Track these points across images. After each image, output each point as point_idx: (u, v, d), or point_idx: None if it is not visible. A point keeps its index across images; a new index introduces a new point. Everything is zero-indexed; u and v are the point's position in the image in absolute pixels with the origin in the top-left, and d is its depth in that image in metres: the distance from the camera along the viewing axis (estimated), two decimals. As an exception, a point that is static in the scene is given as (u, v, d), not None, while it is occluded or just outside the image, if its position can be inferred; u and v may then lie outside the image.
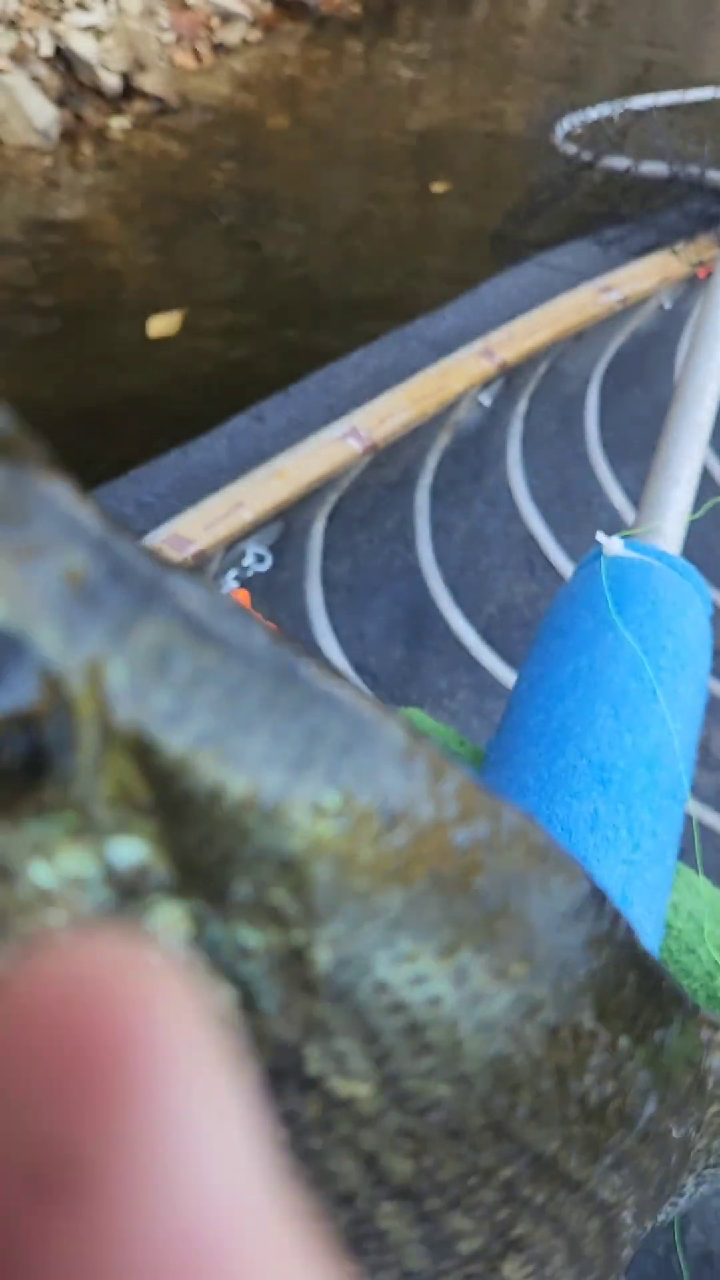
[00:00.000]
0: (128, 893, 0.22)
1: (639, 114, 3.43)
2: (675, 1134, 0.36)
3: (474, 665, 2.18)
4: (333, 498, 2.03)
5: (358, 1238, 0.30)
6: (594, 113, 3.47)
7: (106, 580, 0.21)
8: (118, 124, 5.82)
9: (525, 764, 0.87)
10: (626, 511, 2.52)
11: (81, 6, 6.05)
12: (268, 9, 7.47)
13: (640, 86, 3.81)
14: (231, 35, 6.95)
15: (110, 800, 0.21)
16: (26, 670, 0.20)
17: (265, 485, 1.79)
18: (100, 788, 0.21)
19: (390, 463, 2.07)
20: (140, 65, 6.04)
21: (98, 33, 6.01)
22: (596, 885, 0.30)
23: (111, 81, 5.88)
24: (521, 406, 2.48)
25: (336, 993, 0.25)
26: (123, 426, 3.31)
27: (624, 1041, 0.32)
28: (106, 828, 0.21)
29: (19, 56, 5.59)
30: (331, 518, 2.12)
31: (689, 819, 0.96)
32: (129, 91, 6.01)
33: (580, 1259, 0.36)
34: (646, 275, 2.47)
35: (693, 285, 2.78)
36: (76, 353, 4.02)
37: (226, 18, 6.97)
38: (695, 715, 0.96)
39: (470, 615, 2.27)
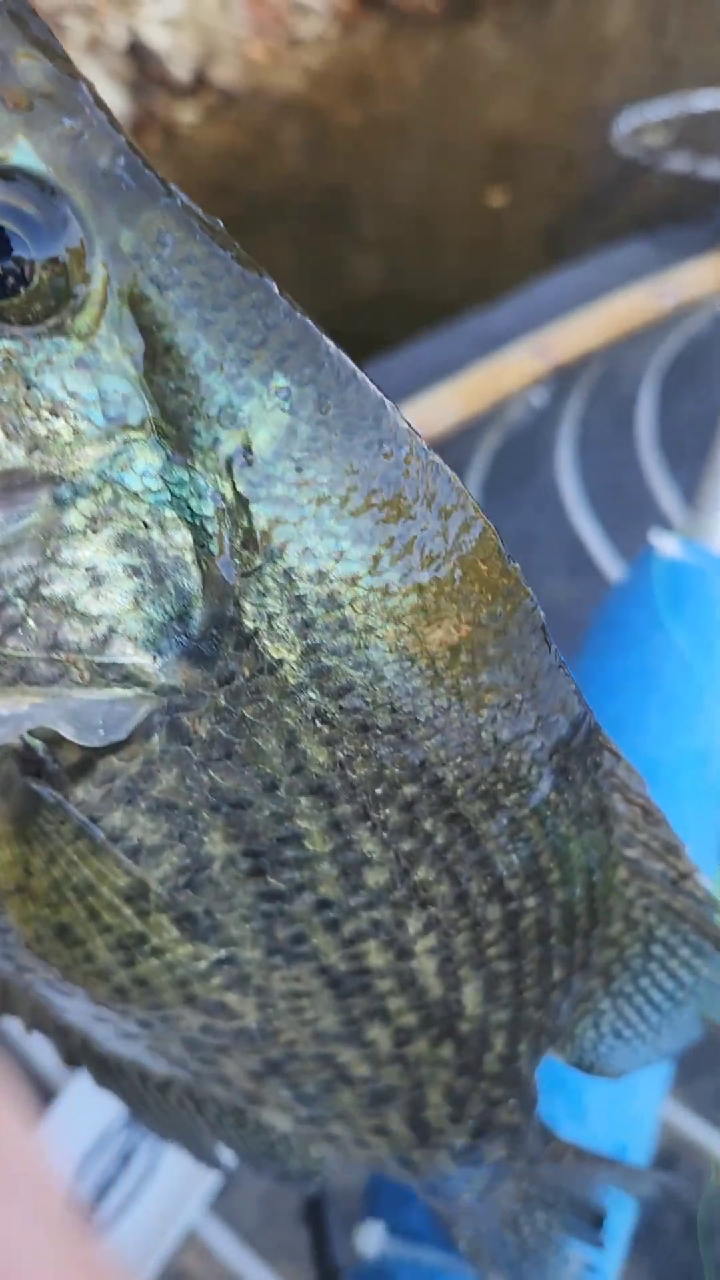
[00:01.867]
0: (114, 422, 0.28)
1: (698, 116, 3.41)
2: (575, 849, 0.38)
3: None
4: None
5: (281, 841, 0.33)
6: (653, 113, 3.44)
7: (126, 174, 0.29)
8: (186, 116, 5.84)
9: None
10: (676, 515, 2.48)
11: (155, -1, 6.11)
12: (345, 4, 7.47)
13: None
14: (307, 29, 6.93)
15: (109, 339, 0.28)
16: (63, 217, 0.27)
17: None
18: (103, 327, 0.28)
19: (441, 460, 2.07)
20: (212, 58, 6.07)
21: (171, 25, 6.05)
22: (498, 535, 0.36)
23: (182, 74, 5.90)
24: (572, 408, 2.45)
25: (271, 551, 0.31)
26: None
27: (520, 696, 0.36)
28: (103, 362, 0.28)
29: (93, 48, 5.64)
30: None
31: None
32: (199, 83, 6.04)
33: (485, 964, 0.38)
34: (702, 278, 2.44)
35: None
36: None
37: (303, 11, 6.96)
38: None
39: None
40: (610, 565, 2.39)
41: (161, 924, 0.32)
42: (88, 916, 0.32)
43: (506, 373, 1.98)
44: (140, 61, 5.87)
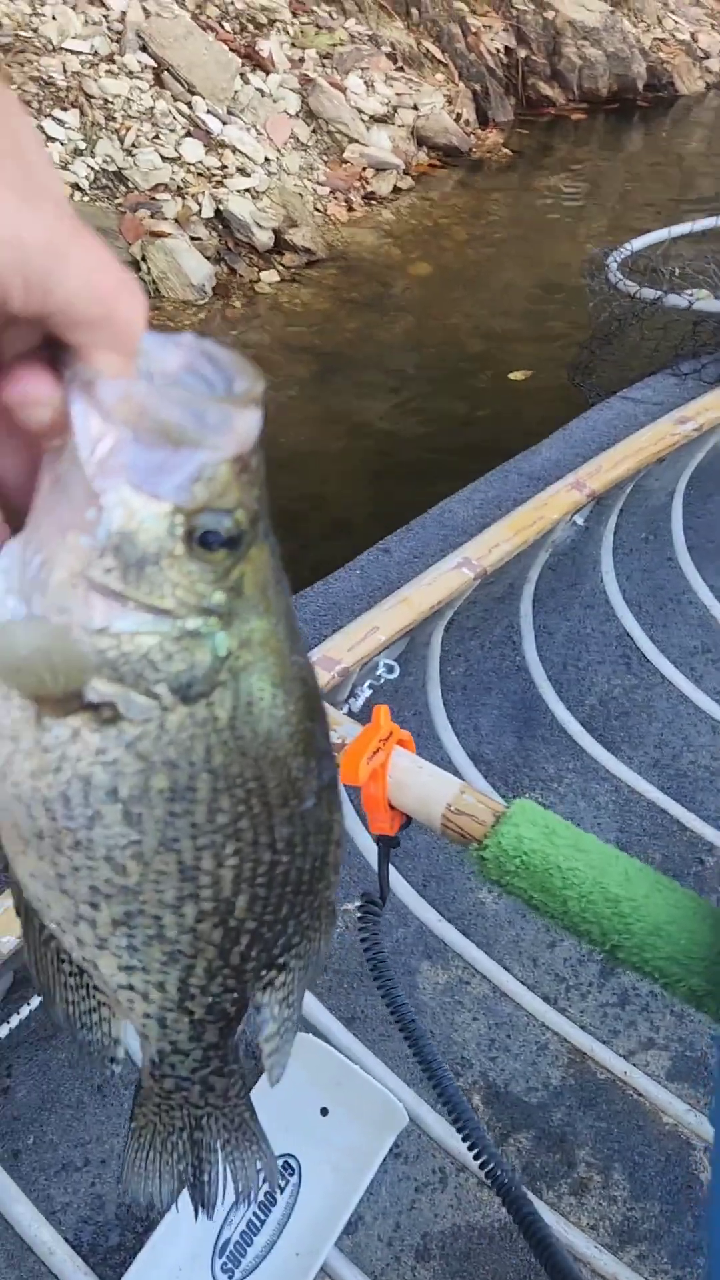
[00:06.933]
0: (215, 607, 0.47)
1: (679, 239, 3.45)
2: (314, 840, 0.56)
3: (579, 752, 2.26)
4: (449, 612, 2.16)
5: (181, 794, 0.50)
6: (639, 242, 3.49)
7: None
8: (267, 277, 6.05)
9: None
10: (714, 607, 2.59)
11: (243, 172, 6.40)
12: (421, 156, 7.60)
13: None
14: (384, 185, 7.10)
15: (230, 584, 0.48)
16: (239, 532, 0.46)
17: (394, 611, 1.93)
18: (243, 579, 0.48)
19: (497, 580, 2.20)
20: (292, 220, 6.28)
21: (254, 193, 6.33)
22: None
23: (264, 237, 6.15)
24: (612, 521, 2.57)
25: (233, 668, 0.49)
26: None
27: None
28: (224, 586, 0.47)
29: (182, 220, 5.97)
30: (448, 629, 2.25)
31: None
32: (279, 245, 6.25)
33: (254, 887, 0.56)
34: (718, 404, 2.54)
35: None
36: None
37: (380, 169, 7.14)
38: None
39: (573, 707, 2.36)
40: (659, 656, 2.48)
41: (115, 813, 0.50)
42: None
43: (549, 507, 2.11)
44: (225, 228, 6.14)
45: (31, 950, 0.59)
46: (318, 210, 6.65)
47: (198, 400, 0.44)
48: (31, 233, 0.37)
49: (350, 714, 1.82)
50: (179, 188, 6.11)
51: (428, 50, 8.13)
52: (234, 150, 6.47)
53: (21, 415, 0.43)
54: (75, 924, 0.55)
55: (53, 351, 0.43)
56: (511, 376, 4.93)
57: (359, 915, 1.25)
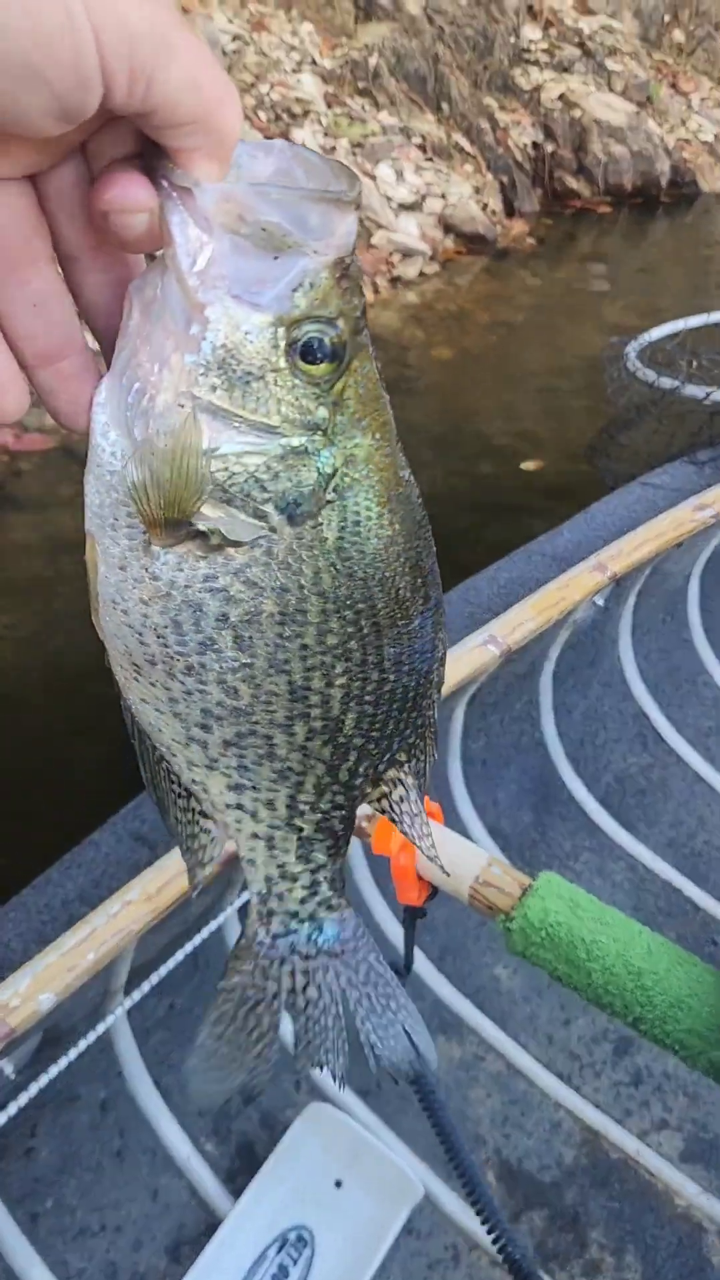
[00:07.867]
0: (321, 423, 0.47)
1: (698, 334, 3.52)
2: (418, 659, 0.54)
3: (595, 829, 2.29)
4: (472, 688, 2.21)
5: (294, 611, 0.49)
6: (656, 332, 3.56)
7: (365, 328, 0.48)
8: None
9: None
10: (727, 686, 2.64)
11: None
12: (448, 243, 7.83)
13: None
14: (410, 270, 7.28)
15: (337, 395, 0.48)
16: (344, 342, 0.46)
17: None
18: (346, 390, 0.48)
19: (520, 658, 2.25)
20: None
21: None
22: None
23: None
24: (630, 602, 2.63)
25: (341, 495, 0.48)
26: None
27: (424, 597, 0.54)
28: (327, 401, 0.47)
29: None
30: (470, 703, 2.29)
31: None
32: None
33: (363, 704, 0.55)
34: (737, 492, 2.61)
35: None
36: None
37: (407, 254, 7.34)
38: None
39: (590, 784, 2.39)
40: (675, 736, 2.52)
41: (226, 638, 0.49)
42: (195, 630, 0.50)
43: (571, 588, 2.17)
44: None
45: (145, 767, 0.60)
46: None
47: (296, 203, 0.43)
48: (139, 20, 0.35)
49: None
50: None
51: (457, 142, 8.44)
52: (265, 234, 6.67)
53: (117, 222, 0.41)
54: (186, 746, 0.55)
55: (147, 163, 0.41)
56: (524, 466, 5.00)
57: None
